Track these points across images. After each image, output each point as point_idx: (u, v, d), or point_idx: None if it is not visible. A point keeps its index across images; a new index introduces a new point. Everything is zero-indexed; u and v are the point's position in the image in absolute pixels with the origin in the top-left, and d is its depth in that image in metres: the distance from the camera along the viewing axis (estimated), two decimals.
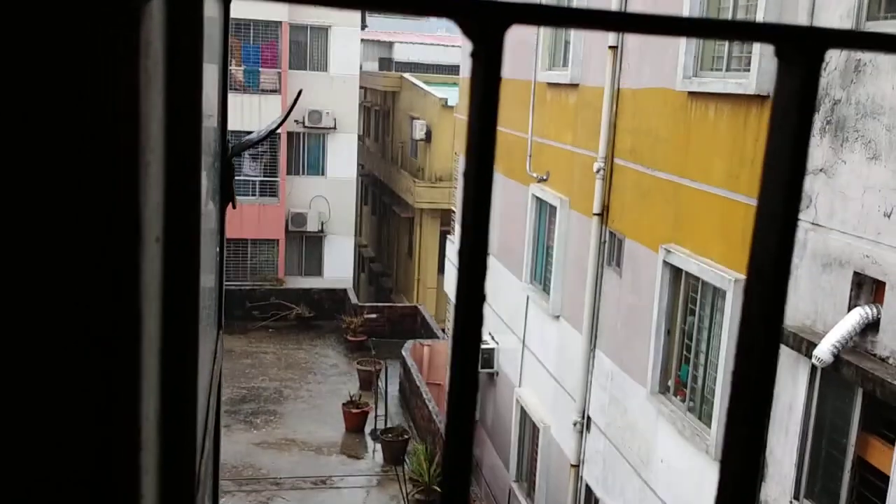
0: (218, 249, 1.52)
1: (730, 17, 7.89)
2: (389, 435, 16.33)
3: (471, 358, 0.50)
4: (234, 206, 1.60)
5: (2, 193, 0.42)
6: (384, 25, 44.01)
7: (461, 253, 0.49)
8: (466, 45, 0.47)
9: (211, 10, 1.22)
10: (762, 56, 7.10)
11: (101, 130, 0.41)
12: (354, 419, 17.30)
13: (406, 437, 16.41)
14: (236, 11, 23.80)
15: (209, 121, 1.36)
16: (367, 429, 17.37)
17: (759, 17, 7.13)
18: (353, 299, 24.44)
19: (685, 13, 8.32)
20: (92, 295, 0.44)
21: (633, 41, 9.69)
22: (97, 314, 0.45)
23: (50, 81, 0.41)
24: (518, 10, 0.45)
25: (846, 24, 6.19)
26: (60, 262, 0.43)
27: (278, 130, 24.95)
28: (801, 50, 0.49)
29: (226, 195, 1.53)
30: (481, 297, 0.50)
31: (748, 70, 7.44)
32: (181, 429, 0.69)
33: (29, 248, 0.41)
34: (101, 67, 0.41)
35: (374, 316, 22.65)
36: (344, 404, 17.52)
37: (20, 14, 0.40)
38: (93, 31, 0.40)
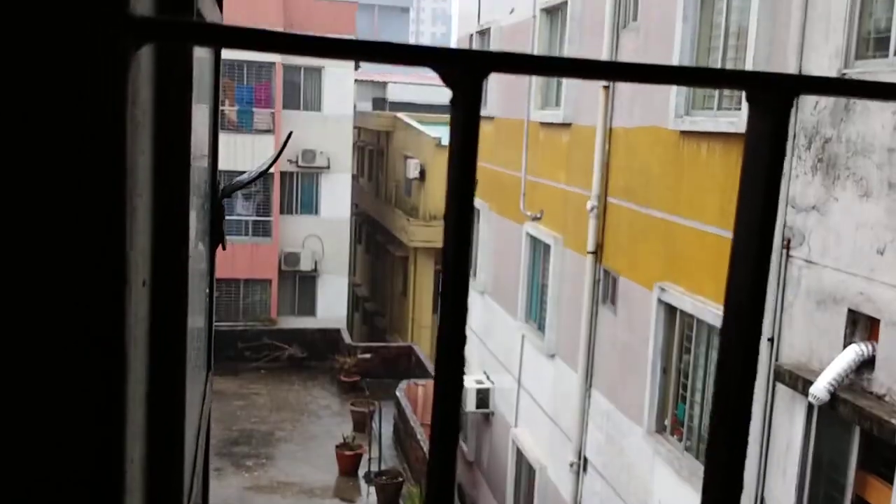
0: (207, 291, 1.53)
1: (720, 56, 8.01)
2: (384, 478, 16.14)
3: (453, 398, 0.51)
4: (223, 248, 1.60)
5: None
6: (378, 66, 44.50)
7: (442, 295, 0.49)
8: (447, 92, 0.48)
9: (202, 50, 1.24)
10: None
11: (87, 177, 0.42)
12: (348, 462, 17.11)
13: (400, 479, 16.22)
14: (229, 52, 24.07)
15: (200, 161, 1.37)
16: (361, 471, 17.17)
17: (749, 56, 7.24)
18: (347, 339, 24.32)
19: (675, 52, 8.46)
20: (77, 339, 0.44)
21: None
22: (82, 358, 0.45)
23: (36, 129, 0.42)
24: (495, 59, 0.47)
25: (835, 63, 6.28)
26: (46, 306, 0.44)
27: (271, 170, 25.07)
28: (771, 96, 0.51)
29: (216, 236, 1.53)
30: (462, 339, 0.51)
31: (739, 109, 7.53)
32: (168, 470, 0.69)
33: (13, 292, 0.42)
34: (88, 116, 0.42)
35: (367, 356, 22.53)
36: (337, 446, 17.33)
37: (8, 61, 0.41)
38: (80, 79, 0.41)
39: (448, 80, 0.48)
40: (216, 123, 1.63)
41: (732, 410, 0.56)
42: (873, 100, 0.54)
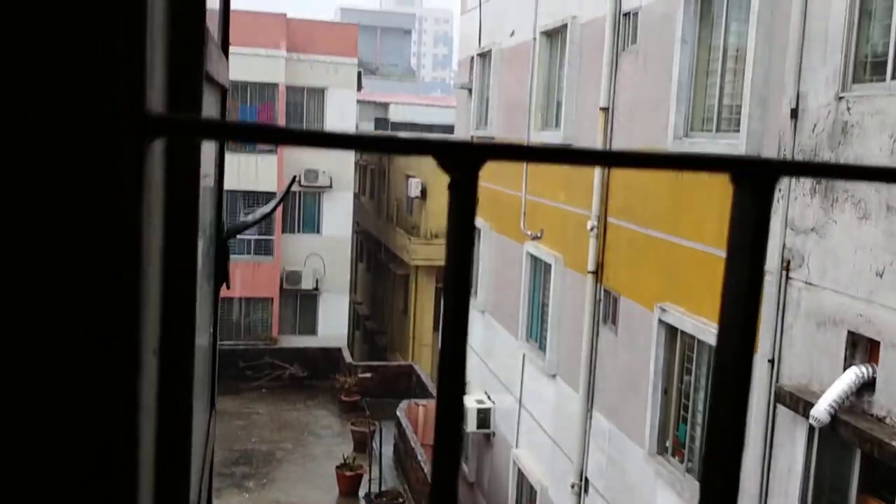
0: (212, 330, 1.55)
1: (718, 78, 8.06)
2: (384, 499, 16.06)
3: (454, 423, 0.53)
4: (228, 287, 1.62)
5: (9, 317, 0.45)
6: (380, 87, 44.76)
7: (439, 374, 0.51)
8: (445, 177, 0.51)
9: (208, 104, 1.27)
10: (751, 117, 7.25)
11: (104, 262, 0.44)
12: (348, 482, 17.03)
13: (401, 500, 16.14)
14: (234, 73, 24.18)
15: (207, 207, 1.40)
16: (362, 492, 17.08)
17: (748, 79, 7.29)
18: (348, 358, 24.29)
19: (674, 74, 8.51)
20: (88, 415, 0.46)
21: (623, 102, 9.88)
22: (92, 433, 0.47)
23: (59, 220, 0.44)
24: (490, 149, 0.49)
25: (832, 86, 6.33)
26: (67, 383, 0.46)
27: (273, 188, 25.14)
28: (755, 179, 0.53)
29: (220, 276, 1.56)
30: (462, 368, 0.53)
31: (738, 131, 7.58)
32: None
33: (32, 360, 0.44)
34: (106, 205, 0.45)
35: (368, 375, 22.49)
36: (337, 467, 17.27)
37: (33, 151, 0.44)
38: (99, 172, 0.44)
39: (447, 168, 0.50)
40: (222, 161, 1.66)
41: (726, 431, 0.58)
42: (857, 181, 0.56)
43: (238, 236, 25.83)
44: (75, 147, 0.44)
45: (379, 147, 0.50)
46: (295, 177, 3.53)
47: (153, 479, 0.63)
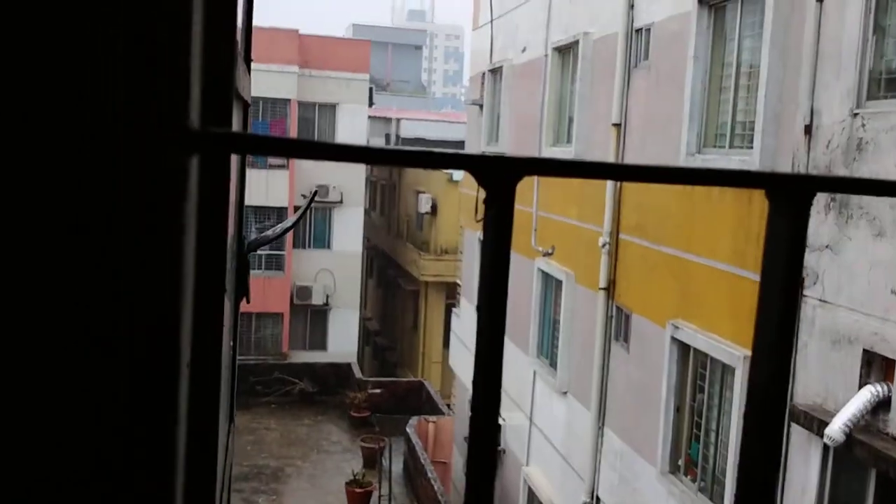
0: (232, 343, 1.55)
1: (731, 95, 8.06)
2: None
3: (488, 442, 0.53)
4: (248, 301, 1.63)
5: (57, 332, 0.46)
6: (391, 102, 44.96)
7: (473, 408, 0.51)
8: (482, 191, 0.51)
9: (234, 120, 1.28)
10: (765, 133, 7.23)
11: (148, 273, 0.45)
12: (358, 499, 16.96)
13: None
14: None
15: (229, 223, 1.41)
16: None
17: (761, 95, 7.28)
18: (358, 374, 24.26)
19: (687, 91, 8.51)
20: (132, 424, 0.46)
21: (636, 118, 9.89)
22: (132, 445, 0.47)
23: (101, 232, 0.45)
24: (526, 164, 0.49)
25: (846, 103, 6.31)
26: (108, 393, 0.46)
27: (285, 204, 25.24)
28: (791, 195, 0.53)
29: (241, 290, 1.56)
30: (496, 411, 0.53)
31: (751, 147, 7.56)
32: None
33: (73, 368, 0.44)
34: (151, 217, 0.45)
35: (378, 391, 22.45)
36: (347, 483, 17.21)
37: (82, 164, 0.44)
38: (145, 185, 0.44)
39: (483, 183, 0.50)
40: (243, 176, 1.68)
41: (761, 461, 0.57)
42: (890, 197, 0.56)
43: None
44: (123, 160, 0.44)
45: (415, 162, 0.50)
46: (316, 191, 3.55)
47: (184, 492, 0.63)
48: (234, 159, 1.45)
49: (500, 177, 0.49)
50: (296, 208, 26.07)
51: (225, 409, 1.46)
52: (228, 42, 0.69)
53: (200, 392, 0.65)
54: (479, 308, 0.53)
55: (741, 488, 0.57)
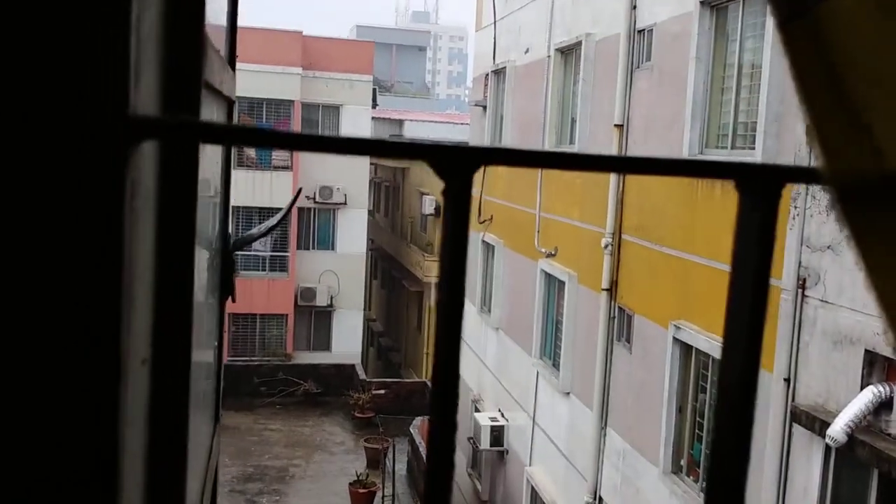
0: (216, 343, 1.54)
1: (733, 95, 8.03)
2: None
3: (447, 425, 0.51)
4: (233, 300, 1.62)
5: None
6: (395, 104, 44.99)
7: (433, 386, 0.50)
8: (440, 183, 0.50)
9: (215, 117, 1.27)
10: (766, 133, 7.21)
11: (83, 270, 0.43)
12: (361, 499, 16.96)
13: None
14: (249, 90, 24.37)
15: (213, 219, 1.39)
16: None
17: (763, 95, 7.25)
18: (362, 374, 24.26)
19: (689, 92, 8.49)
20: (69, 422, 0.45)
21: (638, 119, 9.87)
22: (74, 443, 0.46)
23: (37, 226, 0.43)
24: (484, 153, 0.48)
25: None
26: (45, 395, 0.45)
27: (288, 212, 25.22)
28: (760, 185, 0.52)
29: (226, 289, 1.55)
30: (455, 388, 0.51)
31: (753, 147, 7.54)
32: None
33: (6, 377, 0.43)
34: (86, 212, 0.44)
35: (382, 392, 22.44)
36: (351, 484, 17.21)
37: (11, 158, 0.43)
38: (79, 177, 0.43)
39: (440, 173, 0.49)
40: (229, 173, 1.66)
41: (731, 448, 0.56)
42: None
43: (253, 253, 25.98)
44: (54, 147, 0.43)
45: (371, 150, 0.49)
46: (300, 189, 3.54)
47: (144, 492, 0.62)
48: (217, 154, 1.44)
49: (456, 167, 0.47)
50: (300, 209, 26.09)
51: (208, 411, 1.45)
52: (195, 32, 0.68)
53: (165, 390, 0.64)
54: (438, 293, 0.51)
55: (711, 485, 0.56)
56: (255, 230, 2.28)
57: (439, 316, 0.52)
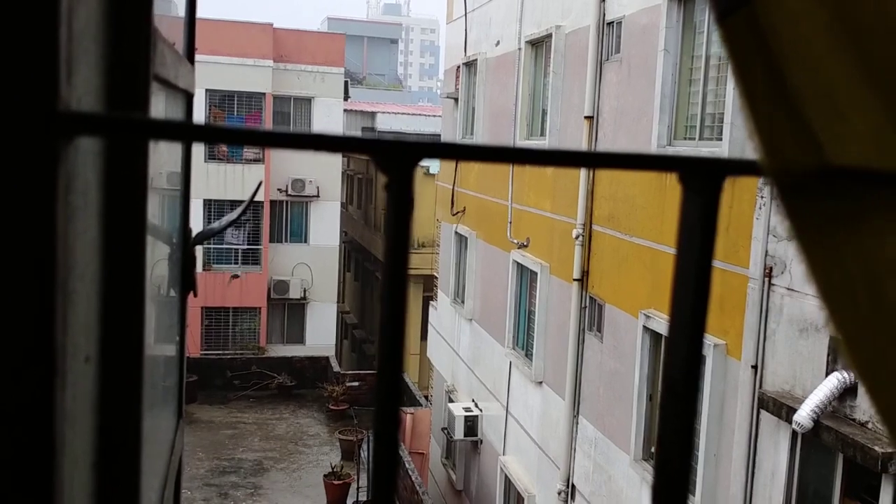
0: (178, 338, 1.53)
1: (700, 87, 8.10)
2: None
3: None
4: (195, 295, 1.61)
5: None
6: (367, 96, 44.80)
7: (378, 372, 0.50)
8: (383, 177, 0.50)
9: (172, 112, 1.26)
10: (733, 125, 7.28)
11: (10, 266, 0.43)
12: (336, 491, 16.95)
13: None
14: (220, 83, 24.13)
15: (172, 212, 1.38)
16: (350, 500, 17.00)
17: (730, 87, 7.33)
18: (336, 367, 24.20)
19: (657, 84, 8.55)
20: (2, 422, 0.44)
21: (608, 111, 9.92)
22: (7, 431, 0.45)
23: None
24: (422, 148, 0.48)
25: None
26: None
27: (261, 199, 25.08)
28: (702, 178, 0.52)
29: (187, 284, 1.54)
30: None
31: (720, 139, 7.61)
32: None
33: None
34: (15, 208, 0.43)
35: (356, 384, 22.42)
36: (325, 476, 17.19)
37: None
38: (6, 174, 0.42)
39: (382, 167, 0.49)
40: (189, 167, 1.65)
41: (675, 428, 0.56)
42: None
43: (226, 246, 25.78)
44: None
45: (314, 145, 0.49)
46: (260, 182, 3.53)
47: (91, 489, 0.61)
48: (177, 148, 1.42)
49: (397, 160, 0.48)
50: (272, 202, 25.93)
51: (169, 406, 1.44)
52: (141, 26, 0.67)
53: (115, 387, 0.63)
54: (382, 284, 0.52)
55: (658, 474, 0.56)
56: (216, 224, 2.27)
57: (383, 305, 0.52)
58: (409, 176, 0.48)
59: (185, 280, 1.50)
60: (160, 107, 1.07)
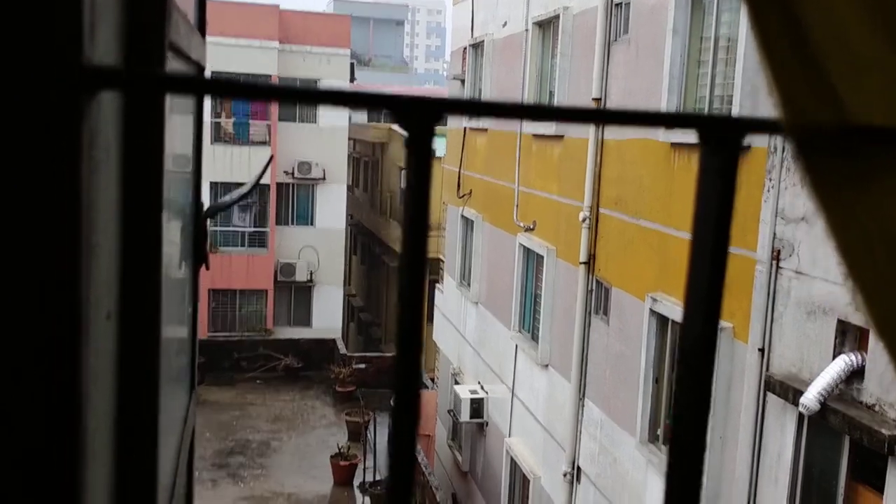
0: (191, 310, 1.54)
1: (709, 68, 8.05)
2: (379, 488, 16.10)
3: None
4: (207, 268, 1.61)
5: None
6: (373, 78, 44.65)
7: (398, 336, 0.51)
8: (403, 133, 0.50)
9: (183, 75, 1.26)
10: (742, 106, 7.24)
11: (40, 220, 0.43)
12: (343, 472, 17.07)
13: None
14: (227, 65, 24.09)
15: (182, 182, 1.38)
16: (356, 481, 17.12)
17: (739, 68, 7.27)
18: (342, 349, 24.29)
19: (666, 64, 8.50)
20: (28, 375, 0.45)
21: (616, 92, 9.87)
22: (33, 385, 0.46)
23: None
24: (444, 104, 0.48)
25: None
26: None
27: (268, 182, 25.08)
28: (722, 137, 0.52)
29: (199, 256, 1.55)
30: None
31: None
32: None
33: None
34: (41, 162, 0.43)
35: (362, 366, 22.51)
36: (332, 456, 17.30)
37: None
38: (32, 127, 0.43)
39: (402, 124, 0.49)
40: (200, 142, 1.65)
41: (694, 397, 0.57)
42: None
43: (232, 229, 25.80)
44: (7, 93, 0.42)
45: (332, 100, 0.49)
46: (272, 156, 3.53)
47: (113, 444, 0.62)
48: (189, 121, 1.42)
49: (418, 117, 0.48)
50: (278, 185, 25.94)
51: (184, 378, 1.45)
52: None
53: (134, 341, 0.64)
54: (401, 251, 0.52)
55: (673, 454, 0.56)
56: (227, 197, 2.28)
57: (401, 270, 0.53)
58: (429, 133, 0.48)
59: (197, 253, 1.51)
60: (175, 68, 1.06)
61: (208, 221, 1.69)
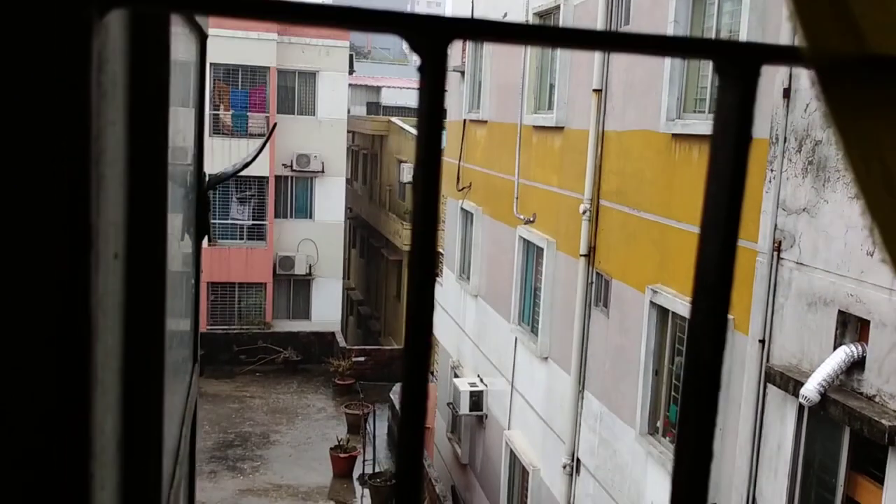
0: (193, 281, 1.53)
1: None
2: (378, 480, 16.12)
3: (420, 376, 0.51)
4: (209, 240, 1.60)
5: None
6: (372, 70, 44.58)
7: (410, 264, 0.50)
8: (416, 60, 0.49)
9: (187, 50, 1.25)
10: None
11: (49, 144, 0.42)
12: (342, 464, 17.09)
13: (394, 481, 16.20)
14: (225, 57, 24.01)
15: (184, 155, 1.37)
16: (356, 474, 17.14)
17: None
18: (342, 342, 24.30)
19: (667, 61, 8.48)
20: (38, 310, 0.44)
21: (617, 84, 9.85)
22: (44, 326, 0.45)
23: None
24: (460, 25, 0.47)
25: None
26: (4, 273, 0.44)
27: (266, 174, 25.05)
28: (739, 65, 0.51)
29: (202, 227, 1.54)
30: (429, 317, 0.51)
31: None
32: (145, 447, 0.69)
33: None
34: (50, 82, 0.42)
35: (362, 359, 22.52)
36: (332, 449, 17.32)
37: None
38: (41, 45, 0.42)
39: (414, 46, 0.48)
40: (202, 115, 1.64)
41: (702, 385, 0.56)
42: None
43: (231, 222, 25.77)
44: (10, 19, 0.41)
45: (340, 22, 0.48)
46: (275, 124, 3.53)
47: (119, 379, 0.61)
48: (191, 109, 1.41)
49: (431, 38, 0.46)
50: (277, 178, 25.91)
51: (187, 344, 1.44)
52: None
53: (141, 284, 0.63)
54: (413, 184, 0.50)
55: (680, 443, 0.55)
56: (228, 168, 2.27)
57: (414, 208, 0.51)
58: (443, 55, 0.47)
59: (200, 224, 1.50)
60: (178, 46, 1.05)
61: (210, 193, 1.69)
